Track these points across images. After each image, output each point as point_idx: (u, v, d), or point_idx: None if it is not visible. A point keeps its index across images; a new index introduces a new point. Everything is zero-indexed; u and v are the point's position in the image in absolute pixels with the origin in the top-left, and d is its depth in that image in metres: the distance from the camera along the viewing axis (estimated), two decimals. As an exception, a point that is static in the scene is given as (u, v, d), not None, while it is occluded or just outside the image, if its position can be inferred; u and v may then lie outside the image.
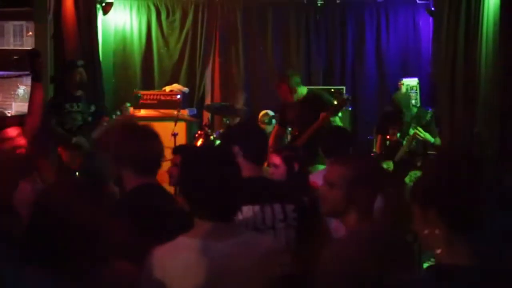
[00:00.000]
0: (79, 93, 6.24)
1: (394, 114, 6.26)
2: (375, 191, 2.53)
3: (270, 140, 6.17)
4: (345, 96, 6.11)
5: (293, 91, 5.88)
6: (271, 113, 7.61)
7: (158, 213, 2.63)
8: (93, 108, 6.30)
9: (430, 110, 6.14)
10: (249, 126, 3.24)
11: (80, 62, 6.35)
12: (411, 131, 5.99)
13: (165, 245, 2.21)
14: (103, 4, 8.26)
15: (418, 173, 5.89)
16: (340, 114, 5.91)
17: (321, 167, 4.84)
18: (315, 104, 5.84)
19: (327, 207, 2.54)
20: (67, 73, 6.25)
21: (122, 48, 8.57)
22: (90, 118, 6.24)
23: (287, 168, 3.53)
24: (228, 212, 2.26)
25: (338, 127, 5.34)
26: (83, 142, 5.97)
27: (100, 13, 8.18)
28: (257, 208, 2.77)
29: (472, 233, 1.70)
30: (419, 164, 5.99)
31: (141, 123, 2.98)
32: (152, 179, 2.79)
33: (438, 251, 1.72)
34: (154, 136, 2.81)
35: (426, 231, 1.74)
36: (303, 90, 5.97)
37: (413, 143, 5.99)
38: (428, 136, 5.94)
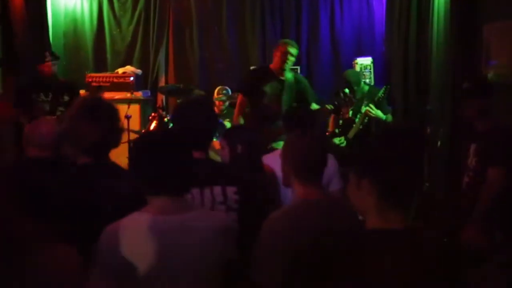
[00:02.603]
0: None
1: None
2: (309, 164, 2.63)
3: (236, 111, 5.96)
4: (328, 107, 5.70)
5: (287, 61, 5.69)
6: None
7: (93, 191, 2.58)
8: (66, 98, 6.10)
9: (382, 88, 6.18)
10: (187, 107, 3.09)
11: (54, 56, 6.18)
12: (363, 109, 6.03)
13: (118, 222, 2.21)
14: (52, -15, 8.07)
15: None
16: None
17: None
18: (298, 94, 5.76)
19: (282, 178, 2.76)
20: (40, 63, 6.08)
21: (73, 30, 8.39)
22: (61, 108, 6.03)
23: (230, 150, 3.49)
24: (181, 186, 2.29)
25: (300, 105, 5.31)
26: None
27: (49, -6, 8.00)
28: (195, 190, 2.73)
29: (402, 201, 1.82)
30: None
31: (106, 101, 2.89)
32: (95, 159, 2.71)
33: (368, 216, 1.85)
34: (103, 117, 2.70)
35: (359, 198, 1.88)
36: (289, 74, 5.83)
37: (365, 120, 6.03)
38: (379, 113, 5.99)
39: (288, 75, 5.79)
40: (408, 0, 7.37)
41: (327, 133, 6.63)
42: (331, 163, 3.87)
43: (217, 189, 2.79)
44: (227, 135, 3.62)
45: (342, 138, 6.10)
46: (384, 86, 6.23)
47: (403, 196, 1.81)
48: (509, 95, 5.17)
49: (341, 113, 6.22)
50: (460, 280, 1.80)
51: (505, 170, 3.61)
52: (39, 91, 6.07)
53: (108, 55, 8.45)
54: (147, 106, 7.81)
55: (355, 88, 6.11)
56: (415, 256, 1.75)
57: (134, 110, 7.03)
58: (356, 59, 7.79)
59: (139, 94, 7.59)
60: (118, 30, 8.45)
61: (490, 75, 5.65)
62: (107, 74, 7.90)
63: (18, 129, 5.92)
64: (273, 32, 8.40)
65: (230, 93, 7.49)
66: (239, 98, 5.94)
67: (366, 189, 1.83)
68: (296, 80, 5.83)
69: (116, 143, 2.78)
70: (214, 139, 5.59)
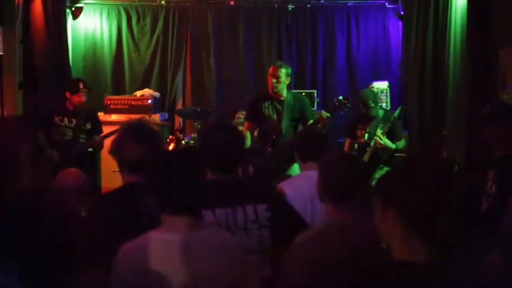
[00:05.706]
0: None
1: (361, 114, 6.33)
2: (339, 184, 2.62)
3: None
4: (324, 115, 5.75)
5: (282, 81, 5.84)
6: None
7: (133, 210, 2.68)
8: (88, 126, 6.25)
9: (397, 110, 6.20)
10: (214, 134, 3.07)
11: (87, 88, 6.28)
12: (379, 131, 6.06)
13: (133, 241, 2.27)
14: (73, 9, 8.24)
15: (384, 171, 5.96)
16: None
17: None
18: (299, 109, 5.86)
19: (318, 195, 2.73)
20: (72, 93, 6.17)
21: (92, 53, 8.52)
22: (83, 136, 6.19)
23: (242, 171, 3.51)
24: (195, 207, 2.35)
25: (312, 131, 5.33)
26: (53, 156, 5.94)
27: (69, 18, 8.15)
28: (229, 210, 2.80)
29: (428, 233, 1.78)
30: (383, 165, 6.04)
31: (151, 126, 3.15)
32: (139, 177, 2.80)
33: (394, 245, 1.81)
34: (147, 138, 2.88)
35: (384, 226, 1.85)
36: (288, 94, 5.94)
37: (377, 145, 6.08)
38: (388, 142, 6.04)
39: (288, 95, 5.94)
40: (425, 25, 7.40)
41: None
42: None
43: (249, 208, 2.85)
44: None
45: None
46: (400, 106, 6.25)
47: (429, 226, 1.78)
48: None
49: (357, 137, 6.24)
50: None
51: None
52: (63, 116, 6.14)
53: (127, 78, 8.55)
54: (164, 129, 7.87)
55: (372, 105, 6.14)
56: None
57: (152, 132, 7.07)
58: (372, 83, 7.82)
59: (156, 117, 7.66)
60: (136, 53, 8.56)
61: (506, 100, 5.64)
62: (125, 96, 7.99)
63: (37, 151, 5.98)
64: (289, 57, 8.45)
65: None
66: (245, 124, 6.16)
67: (392, 218, 1.81)
68: (295, 99, 5.98)
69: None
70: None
